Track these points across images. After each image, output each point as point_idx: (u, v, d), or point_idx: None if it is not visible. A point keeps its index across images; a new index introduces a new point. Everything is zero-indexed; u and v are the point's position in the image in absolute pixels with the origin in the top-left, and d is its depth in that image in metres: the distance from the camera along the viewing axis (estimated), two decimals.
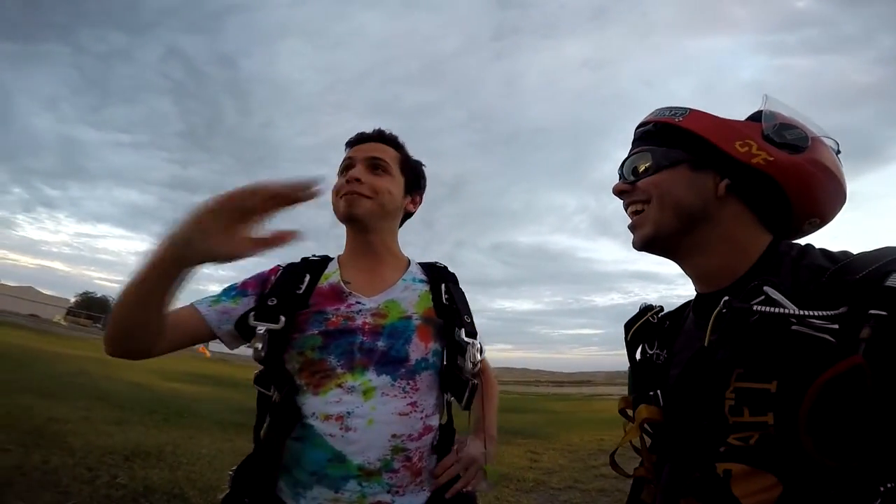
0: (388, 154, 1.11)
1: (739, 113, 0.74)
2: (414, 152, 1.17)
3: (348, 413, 0.91)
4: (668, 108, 0.76)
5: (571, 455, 6.37)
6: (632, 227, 0.78)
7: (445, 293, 1.08)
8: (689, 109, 0.73)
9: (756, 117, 0.72)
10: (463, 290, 1.15)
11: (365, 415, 0.91)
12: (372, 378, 0.95)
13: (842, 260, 0.59)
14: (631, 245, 0.79)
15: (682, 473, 0.65)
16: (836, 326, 0.51)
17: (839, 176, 0.70)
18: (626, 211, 0.79)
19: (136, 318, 0.80)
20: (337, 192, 1.08)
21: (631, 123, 0.83)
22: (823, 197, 0.70)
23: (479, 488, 1.03)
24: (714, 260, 0.71)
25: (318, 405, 0.93)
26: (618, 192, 0.79)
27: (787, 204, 0.69)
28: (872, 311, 0.50)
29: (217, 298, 1.01)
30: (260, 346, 0.94)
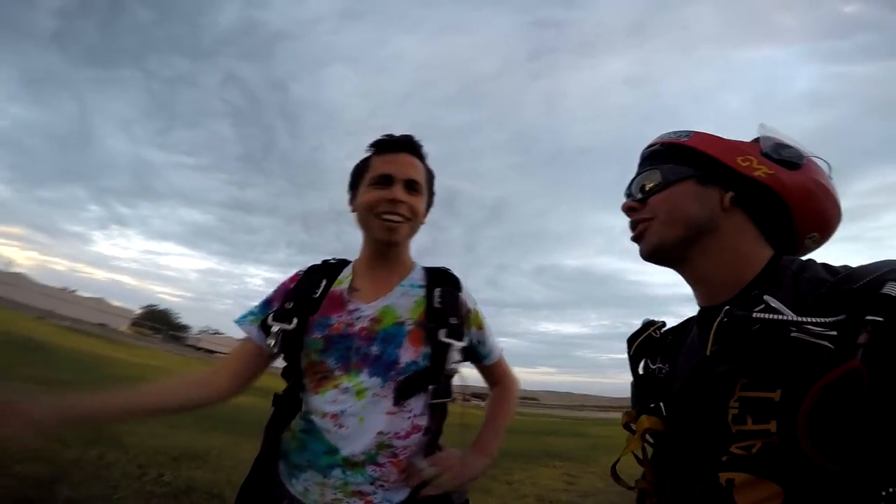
0: (420, 174, 1.13)
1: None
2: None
3: (342, 412, 0.99)
4: (673, 131, 0.80)
5: (610, 479, 6.13)
6: (637, 238, 0.79)
7: (438, 297, 1.09)
8: (693, 132, 0.77)
9: (755, 140, 0.75)
10: (469, 296, 1.16)
11: (356, 413, 0.98)
12: (364, 380, 1.00)
13: (842, 272, 0.60)
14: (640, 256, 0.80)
15: (684, 484, 0.66)
16: (835, 333, 0.53)
17: (834, 193, 0.73)
18: (631, 228, 0.81)
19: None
20: (372, 209, 1.07)
21: None
22: (821, 211, 0.73)
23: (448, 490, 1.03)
24: (717, 271, 0.73)
25: (319, 404, 1.01)
26: (626, 209, 0.81)
27: (788, 217, 0.72)
28: (869, 318, 0.51)
29: (255, 315, 1.11)
30: (272, 342, 1.02)
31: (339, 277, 1.13)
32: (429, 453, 1.03)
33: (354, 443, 0.97)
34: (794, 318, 0.55)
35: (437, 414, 1.06)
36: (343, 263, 1.18)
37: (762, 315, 0.58)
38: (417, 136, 1.15)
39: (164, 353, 20.97)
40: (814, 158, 0.74)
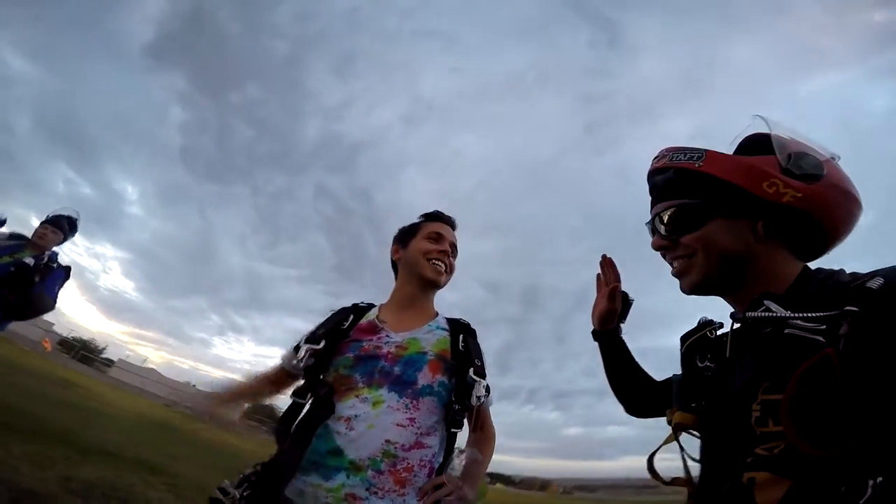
0: (457, 243, 1.47)
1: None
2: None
3: (356, 416, 1.10)
4: (679, 149, 0.78)
5: None
6: (678, 275, 0.81)
7: (462, 342, 1.28)
8: (705, 151, 0.75)
9: (756, 140, 0.75)
10: (479, 343, 1.35)
11: (368, 419, 1.09)
12: (383, 394, 1.13)
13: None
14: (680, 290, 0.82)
15: (716, 482, 0.67)
16: (823, 326, 0.56)
17: (853, 190, 0.73)
18: (669, 262, 0.82)
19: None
20: (425, 254, 1.36)
21: None
22: (848, 217, 0.73)
23: None
24: (754, 291, 0.71)
25: (338, 409, 1.11)
26: (658, 248, 0.82)
27: (820, 231, 0.73)
28: (847, 308, 0.55)
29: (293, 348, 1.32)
30: (300, 358, 1.19)
31: (367, 314, 1.34)
32: (435, 473, 1.12)
33: (361, 447, 1.06)
34: (784, 315, 0.59)
35: (449, 440, 1.18)
36: (371, 306, 1.40)
37: (755, 314, 0.62)
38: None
39: (268, 442, 22.06)
40: (827, 157, 0.72)
